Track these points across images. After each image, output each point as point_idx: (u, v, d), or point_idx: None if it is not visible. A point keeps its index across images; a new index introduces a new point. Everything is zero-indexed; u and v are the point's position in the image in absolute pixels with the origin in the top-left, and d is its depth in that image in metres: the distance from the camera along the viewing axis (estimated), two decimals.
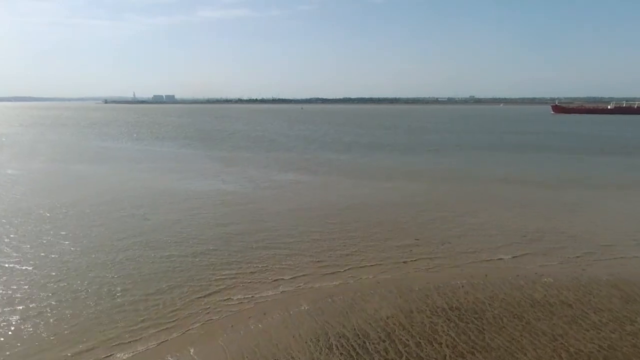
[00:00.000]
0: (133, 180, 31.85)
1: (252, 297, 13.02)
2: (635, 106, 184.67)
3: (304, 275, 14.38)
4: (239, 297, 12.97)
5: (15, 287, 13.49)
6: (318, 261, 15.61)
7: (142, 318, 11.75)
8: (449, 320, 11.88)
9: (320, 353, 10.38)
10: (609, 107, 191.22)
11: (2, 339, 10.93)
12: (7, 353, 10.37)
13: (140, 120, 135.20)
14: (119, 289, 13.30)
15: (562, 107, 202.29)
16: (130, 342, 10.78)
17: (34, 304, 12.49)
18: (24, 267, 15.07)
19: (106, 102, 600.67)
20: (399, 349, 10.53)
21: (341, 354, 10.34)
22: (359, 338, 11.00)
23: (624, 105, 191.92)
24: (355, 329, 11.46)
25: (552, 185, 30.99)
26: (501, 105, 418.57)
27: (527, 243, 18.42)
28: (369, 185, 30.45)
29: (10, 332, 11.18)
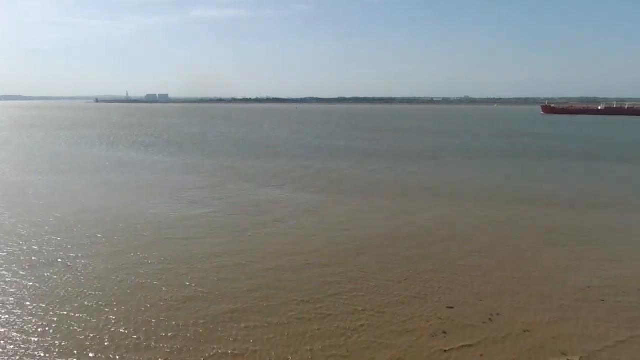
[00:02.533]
0: (82, 200, 25.58)
1: None
2: (626, 107, 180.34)
3: None
4: None
5: None
6: None
7: None
8: None
9: None
10: (599, 107, 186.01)
11: None
12: None
13: (125, 121, 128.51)
14: None
15: (551, 108, 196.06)
16: None
17: None
18: None
19: (97, 101, 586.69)
20: None
21: None
22: None
23: (614, 106, 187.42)
24: None
25: (602, 205, 24.87)
26: (495, 105, 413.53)
27: (608, 309, 12.54)
28: (375, 208, 24.36)
29: None
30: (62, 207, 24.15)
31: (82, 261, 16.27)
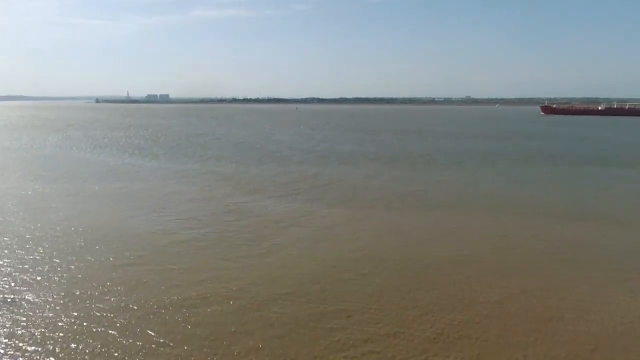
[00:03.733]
0: (48, 215, 22.28)
1: None
2: (627, 107, 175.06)
3: None
4: None
5: None
6: None
7: None
8: None
9: None
10: (599, 108, 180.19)
11: None
12: None
13: (122, 122, 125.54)
14: None
15: (551, 108, 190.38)
16: None
17: None
18: None
19: (97, 101, 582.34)
20: None
21: None
22: None
23: (615, 106, 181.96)
24: None
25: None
26: (497, 105, 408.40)
27: None
28: (394, 229, 20.99)
29: None
30: (22, 225, 20.92)
31: (27, 304, 13.05)
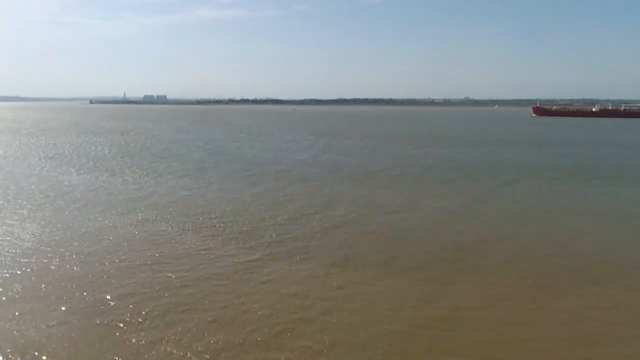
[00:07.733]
0: None
1: None
2: (622, 109, 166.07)
3: None
4: None
5: None
6: None
7: None
8: None
9: None
10: (593, 109, 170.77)
11: None
12: None
13: (103, 125, 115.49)
14: None
15: (544, 109, 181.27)
16: None
17: None
18: None
19: (91, 102, 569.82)
20: None
21: None
22: None
23: (610, 107, 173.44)
24: None
25: None
26: (496, 106, 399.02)
27: None
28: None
29: None
30: None
31: None
